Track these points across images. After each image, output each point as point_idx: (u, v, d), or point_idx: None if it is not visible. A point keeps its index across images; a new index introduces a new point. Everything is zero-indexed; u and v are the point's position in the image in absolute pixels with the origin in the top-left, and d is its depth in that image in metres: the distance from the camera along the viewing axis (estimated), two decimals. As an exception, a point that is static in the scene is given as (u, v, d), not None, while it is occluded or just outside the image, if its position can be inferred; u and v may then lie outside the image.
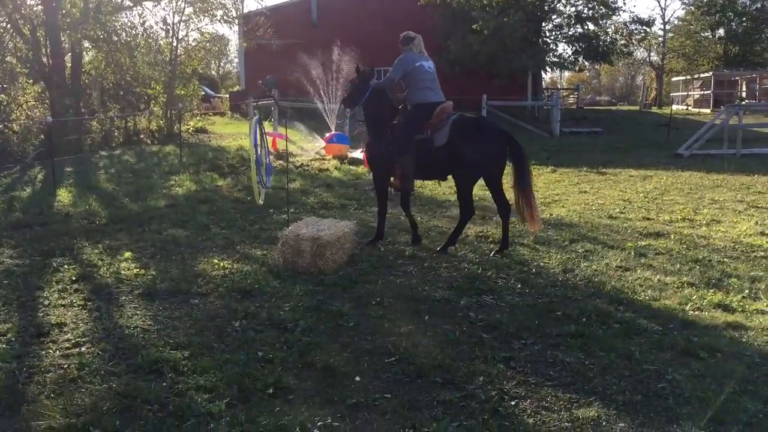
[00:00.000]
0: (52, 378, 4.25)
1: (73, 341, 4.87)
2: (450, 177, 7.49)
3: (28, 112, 18.47)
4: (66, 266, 6.83)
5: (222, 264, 6.87)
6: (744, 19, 51.85)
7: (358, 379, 4.26)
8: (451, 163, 7.17)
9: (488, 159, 7.12)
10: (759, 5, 50.98)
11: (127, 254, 7.28)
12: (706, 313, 5.47)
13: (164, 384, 4.15)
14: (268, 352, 4.65)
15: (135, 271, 6.66)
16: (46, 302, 5.75)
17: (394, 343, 4.82)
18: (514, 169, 7.19)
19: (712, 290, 6.01)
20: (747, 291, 5.99)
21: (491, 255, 7.18)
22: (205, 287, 6.14)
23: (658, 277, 6.43)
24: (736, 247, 7.61)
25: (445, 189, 11.34)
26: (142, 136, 21.58)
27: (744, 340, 4.91)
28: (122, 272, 6.62)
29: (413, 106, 7.37)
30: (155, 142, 21.03)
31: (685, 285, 6.18)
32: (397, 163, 7.34)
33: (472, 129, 7.13)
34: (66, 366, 4.44)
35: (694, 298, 5.80)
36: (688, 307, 5.58)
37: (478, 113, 21.46)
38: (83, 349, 4.73)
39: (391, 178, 7.65)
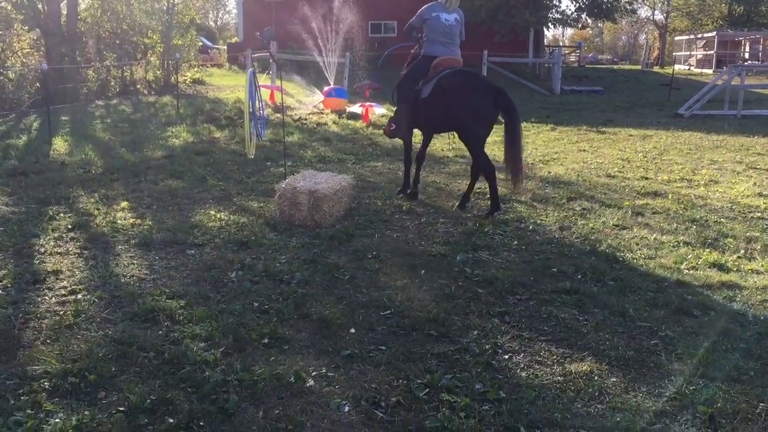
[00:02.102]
0: (48, 324, 4.27)
1: (69, 288, 4.88)
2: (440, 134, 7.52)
3: (24, 60, 18.22)
4: (62, 215, 6.82)
5: (218, 215, 6.86)
6: (750, -22, 51.09)
7: (352, 330, 4.29)
8: (440, 119, 7.14)
9: (468, 116, 6.91)
10: (766, -36, 50.21)
11: (124, 204, 7.26)
12: (701, 272, 5.49)
13: (160, 332, 4.17)
14: (263, 302, 4.67)
15: (131, 220, 6.65)
16: (42, 250, 5.74)
17: (389, 296, 4.84)
18: (505, 128, 7.01)
19: (707, 250, 6.02)
20: (742, 251, 6.00)
21: (483, 219, 6.97)
22: (202, 238, 6.13)
23: (654, 236, 6.44)
24: (733, 207, 7.61)
25: (443, 145, 11.29)
26: (138, 86, 21.38)
27: (738, 299, 4.94)
28: (118, 222, 6.61)
29: (420, 56, 7.41)
30: (152, 93, 20.84)
31: (681, 244, 6.19)
32: (395, 111, 7.45)
33: (453, 84, 6.94)
34: (62, 312, 4.45)
35: (689, 257, 5.81)
36: (683, 266, 5.60)
37: (478, 70, 21.28)
38: (79, 296, 4.74)
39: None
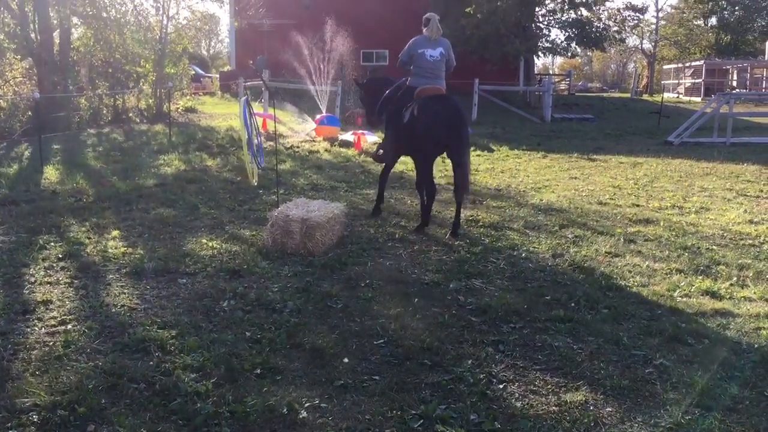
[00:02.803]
0: (37, 355, 4.22)
1: (59, 319, 4.83)
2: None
3: (16, 88, 18.26)
4: (52, 244, 6.77)
5: (210, 244, 6.83)
6: (736, 8, 52.00)
7: (346, 360, 4.25)
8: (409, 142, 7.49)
9: (420, 134, 7.24)
10: (751, -6, 51.10)
11: (115, 233, 7.23)
12: (695, 299, 5.49)
13: (151, 363, 4.13)
14: (256, 332, 4.63)
15: (122, 249, 6.61)
16: (32, 279, 5.69)
17: (382, 325, 4.81)
18: (452, 155, 7.45)
19: (700, 277, 6.03)
20: (735, 278, 6.01)
21: (413, 231, 7.45)
22: (194, 267, 6.10)
23: (647, 263, 6.45)
24: (725, 234, 7.64)
25: (434, 172, 11.29)
26: (131, 114, 21.39)
27: (732, 326, 4.93)
28: (109, 251, 6.56)
29: (405, 88, 7.72)
30: (144, 121, 20.87)
31: (674, 271, 6.19)
32: (384, 137, 7.83)
33: (419, 106, 7.25)
34: (51, 343, 4.40)
35: (682, 284, 5.81)
36: (676, 294, 5.59)
37: (469, 97, 21.43)
38: (69, 326, 4.69)
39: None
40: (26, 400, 3.65)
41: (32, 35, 19.06)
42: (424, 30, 7.67)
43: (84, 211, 8.32)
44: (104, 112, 20.45)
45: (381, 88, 8.23)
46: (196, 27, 26.12)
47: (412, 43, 7.65)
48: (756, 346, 4.58)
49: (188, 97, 25.83)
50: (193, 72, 32.26)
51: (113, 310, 5.04)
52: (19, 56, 19.49)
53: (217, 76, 37.41)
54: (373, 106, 8.29)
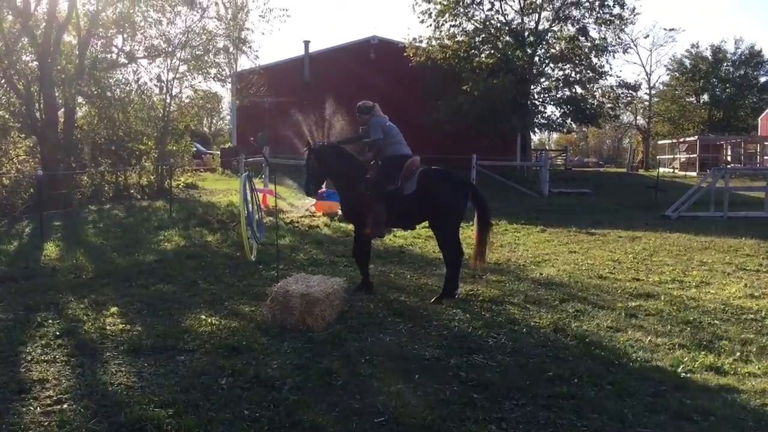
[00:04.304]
0: (31, 436, 4.14)
1: (54, 398, 4.76)
2: (414, 225, 8.51)
3: (19, 166, 18.47)
4: (50, 321, 6.73)
5: (209, 320, 6.79)
6: (727, 85, 53.17)
7: (346, 439, 4.17)
8: (421, 211, 7.89)
9: (452, 206, 7.84)
10: (742, 72, 52.35)
11: (113, 309, 7.19)
12: (699, 375, 5.43)
13: (147, 443, 4.05)
14: (254, 410, 4.56)
15: (121, 326, 6.57)
16: (29, 357, 5.63)
17: (383, 402, 4.74)
18: (477, 215, 8.03)
19: (703, 352, 5.97)
20: (738, 353, 5.96)
21: (431, 301, 7.67)
22: (192, 343, 6.04)
23: (649, 338, 6.40)
24: (726, 309, 7.61)
25: (434, 247, 11.32)
26: (132, 191, 21.58)
27: (737, 403, 4.86)
28: (108, 328, 6.52)
29: (386, 158, 7.96)
30: (145, 197, 21.03)
31: (677, 346, 6.15)
32: (372, 212, 7.79)
33: (439, 179, 7.91)
34: (47, 423, 4.33)
35: (685, 359, 5.76)
36: (680, 369, 5.54)
37: (467, 172, 21.67)
38: (65, 406, 4.62)
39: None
40: (19, 482, 3.56)
41: (37, 114, 19.41)
42: (374, 112, 8.06)
43: (83, 287, 8.30)
44: (106, 188, 20.65)
45: (337, 159, 8.10)
46: (199, 105, 26.64)
47: (376, 120, 8.01)
48: (763, 423, 4.51)
49: (189, 174, 26.10)
50: (195, 149, 32.75)
51: (110, 388, 4.97)
52: (23, 135, 19.80)
53: (219, 152, 37.94)
54: (319, 175, 8.16)
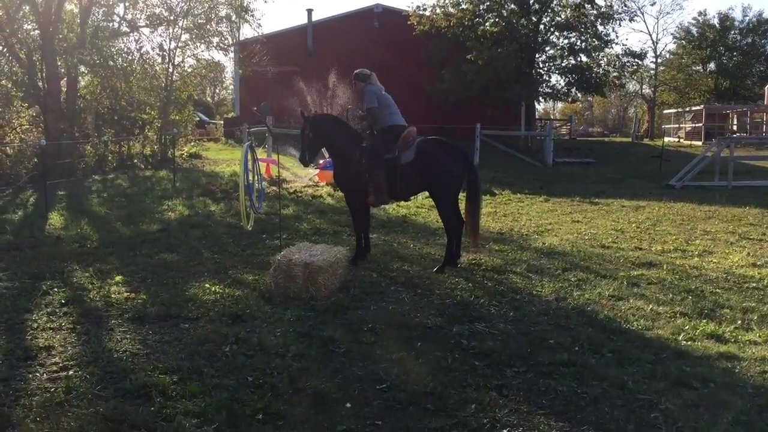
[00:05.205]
0: (38, 401, 4.20)
1: (60, 364, 4.82)
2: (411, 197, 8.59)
3: (22, 136, 18.45)
4: (56, 289, 6.78)
5: (213, 289, 6.83)
6: (735, 53, 52.67)
7: (348, 405, 4.22)
8: (419, 180, 7.86)
9: (451, 175, 7.81)
10: (749, 40, 51.82)
11: (118, 278, 7.24)
12: (699, 343, 5.46)
13: (152, 408, 4.10)
14: (258, 377, 4.61)
15: (125, 294, 6.62)
16: (35, 325, 5.69)
17: (385, 369, 4.79)
18: (468, 188, 7.94)
19: (704, 320, 6.00)
20: (739, 322, 5.98)
21: (434, 270, 7.69)
22: (196, 312, 6.09)
23: (650, 306, 6.42)
24: (728, 277, 7.62)
25: (437, 217, 11.33)
26: (135, 160, 21.56)
27: (737, 370, 4.89)
28: (112, 296, 6.57)
29: (383, 129, 7.94)
30: (149, 167, 21.02)
31: (678, 315, 6.17)
32: (371, 181, 7.79)
33: (437, 148, 7.88)
34: (53, 389, 4.38)
35: (686, 328, 5.78)
36: (680, 337, 5.57)
37: (471, 142, 21.60)
38: (71, 372, 4.68)
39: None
40: (26, 446, 3.62)
41: (40, 83, 19.34)
42: (370, 81, 8.01)
43: (87, 256, 8.35)
44: (109, 158, 20.62)
45: (332, 129, 8.16)
46: (201, 75, 26.48)
47: (371, 89, 7.95)
48: (762, 390, 4.54)
49: (192, 143, 26.05)
50: (198, 118, 32.63)
51: (115, 355, 5.03)
52: (26, 104, 19.75)
53: (222, 122, 37.82)
54: (314, 144, 8.20)
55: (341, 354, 5.11)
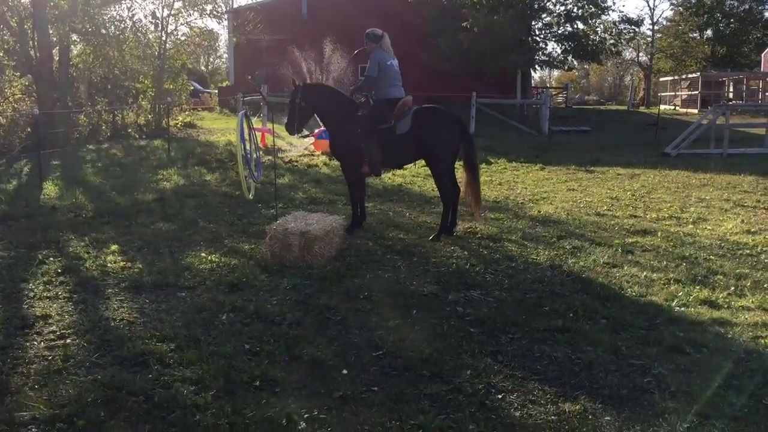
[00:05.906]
0: (36, 369, 4.23)
1: (58, 333, 4.84)
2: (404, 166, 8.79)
3: (15, 105, 18.31)
4: (52, 258, 6.78)
5: (209, 257, 6.85)
6: (732, 20, 52.30)
7: (345, 372, 4.26)
8: (415, 149, 7.85)
9: (446, 143, 7.80)
10: (747, 7, 51.44)
11: (114, 247, 7.24)
12: (692, 309, 5.50)
13: (150, 376, 4.13)
14: (255, 344, 4.64)
15: (121, 264, 6.63)
16: (32, 294, 5.71)
17: (381, 336, 4.82)
18: (465, 155, 7.92)
19: (698, 287, 6.04)
20: (732, 288, 6.02)
21: (430, 238, 7.71)
22: (192, 280, 6.11)
23: (644, 273, 6.46)
24: (722, 244, 7.65)
25: (433, 186, 11.32)
26: (130, 130, 21.42)
27: (730, 336, 4.94)
28: (108, 265, 6.58)
29: (379, 100, 7.89)
30: (143, 137, 20.91)
31: (672, 281, 6.21)
32: (366, 151, 7.79)
33: (432, 117, 7.87)
34: (51, 357, 4.41)
35: (680, 294, 5.82)
36: (674, 304, 5.61)
37: (467, 110, 21.50)
38: (68, 340, 4.71)
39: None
40: (25, 413, 3.66)
41: (31, 52, 19.15)
42: (379, 45, 7.87)
43: (83, 226, 8.34)
44: (103, 128, 20.50)
45: (326, 98, 8.17)
46: (195, 43, 26.27)
47: (376, 57, 7.82)
48: (754, 355, 4.59)
49: (187, 113, 25.91)
50: (192, 87, 32.41)
51: (112, 324, 5.05)
52: (18, 73, 19.57)
53: (216, 91, 37.58)
54: (305, 114, 8.14)
55: (337, 321, 5.14)
